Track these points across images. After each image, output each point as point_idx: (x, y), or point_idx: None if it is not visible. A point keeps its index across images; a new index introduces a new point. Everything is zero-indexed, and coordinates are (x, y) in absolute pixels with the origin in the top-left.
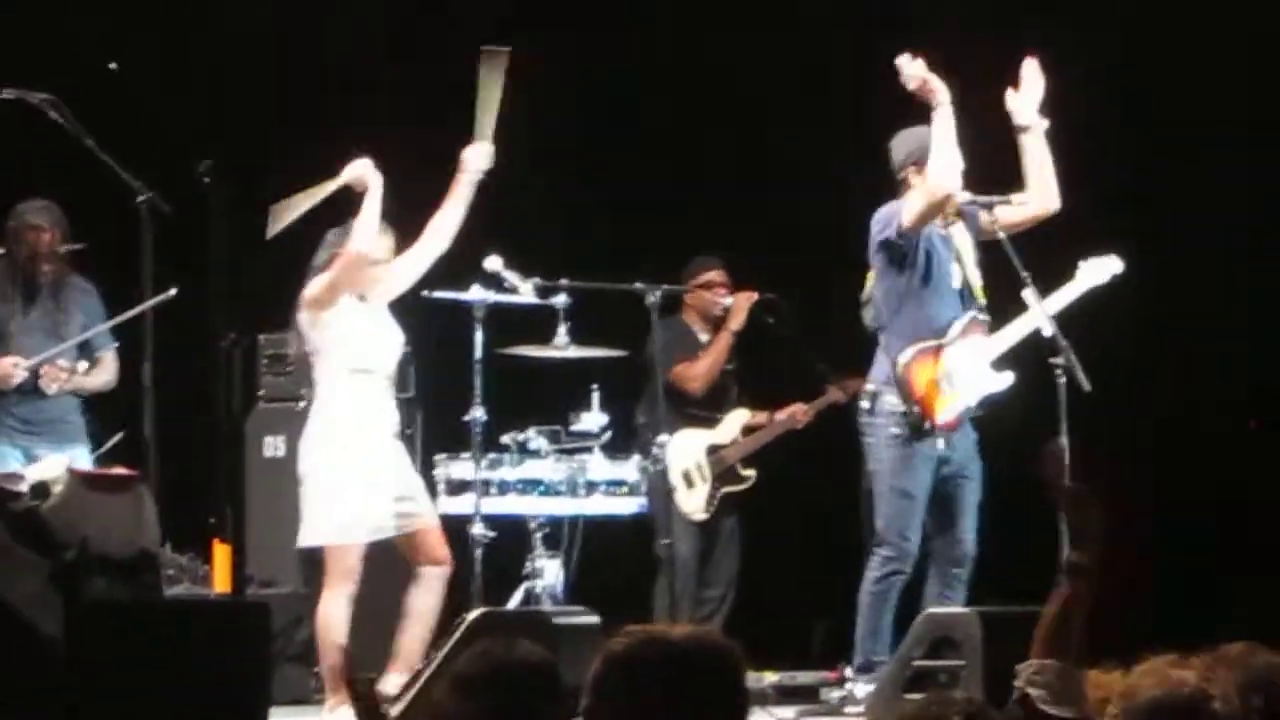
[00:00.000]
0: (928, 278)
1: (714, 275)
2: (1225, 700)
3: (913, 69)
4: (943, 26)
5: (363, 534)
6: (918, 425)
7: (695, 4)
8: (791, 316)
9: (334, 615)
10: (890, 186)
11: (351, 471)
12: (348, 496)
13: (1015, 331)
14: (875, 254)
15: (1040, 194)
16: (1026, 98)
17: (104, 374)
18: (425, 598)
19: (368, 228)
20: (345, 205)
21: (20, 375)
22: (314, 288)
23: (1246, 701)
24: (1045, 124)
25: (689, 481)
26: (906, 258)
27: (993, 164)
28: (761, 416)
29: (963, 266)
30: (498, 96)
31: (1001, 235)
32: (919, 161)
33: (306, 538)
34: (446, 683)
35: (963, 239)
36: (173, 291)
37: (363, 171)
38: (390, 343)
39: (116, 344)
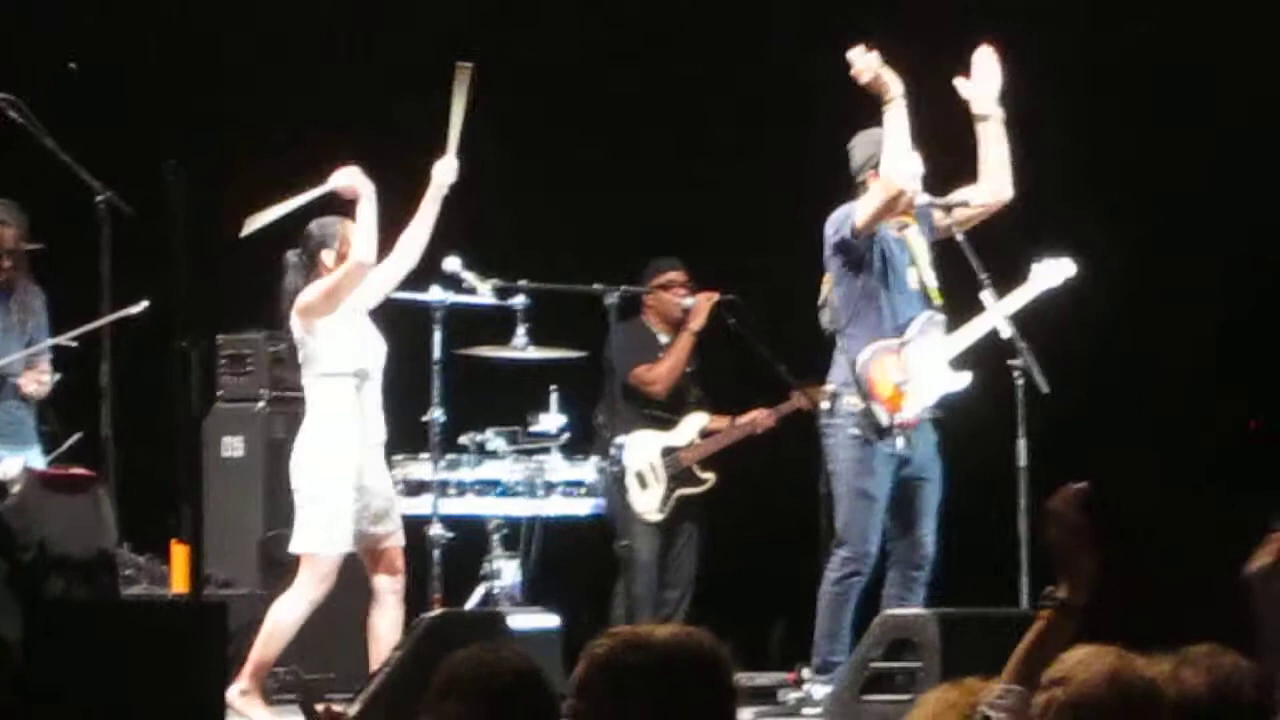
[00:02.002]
0: (885, 279)
1: (674, 276)
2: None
3: (864, 61)
4: (899, 18)
5: (346, 545)
6: (877, 424)
7: (652, 8)
8: (753, 317)
9: (290, 616)
10: (850, 188)
11: (343, 480)
12: (339, 506)
13: (973, 331)
14: (831, 257)
15: (994, 183)
16: (984, 86)
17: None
18: (389, 615)
19: (368, 235)
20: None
21: None
22: (311, 294)
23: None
24: (1002, 114)
25: (643, 482)
26: (862, 260)
27: (948, 155)
28: (721, 421)
29: (919, 268)
30: (463, 111)
31: (959, 235)
32: (879, 165)
33: (296, 544)
34: (434, 686)
35: (917, 241)
36: (144, 304)
37: (351, 180)
38: (377, 349)
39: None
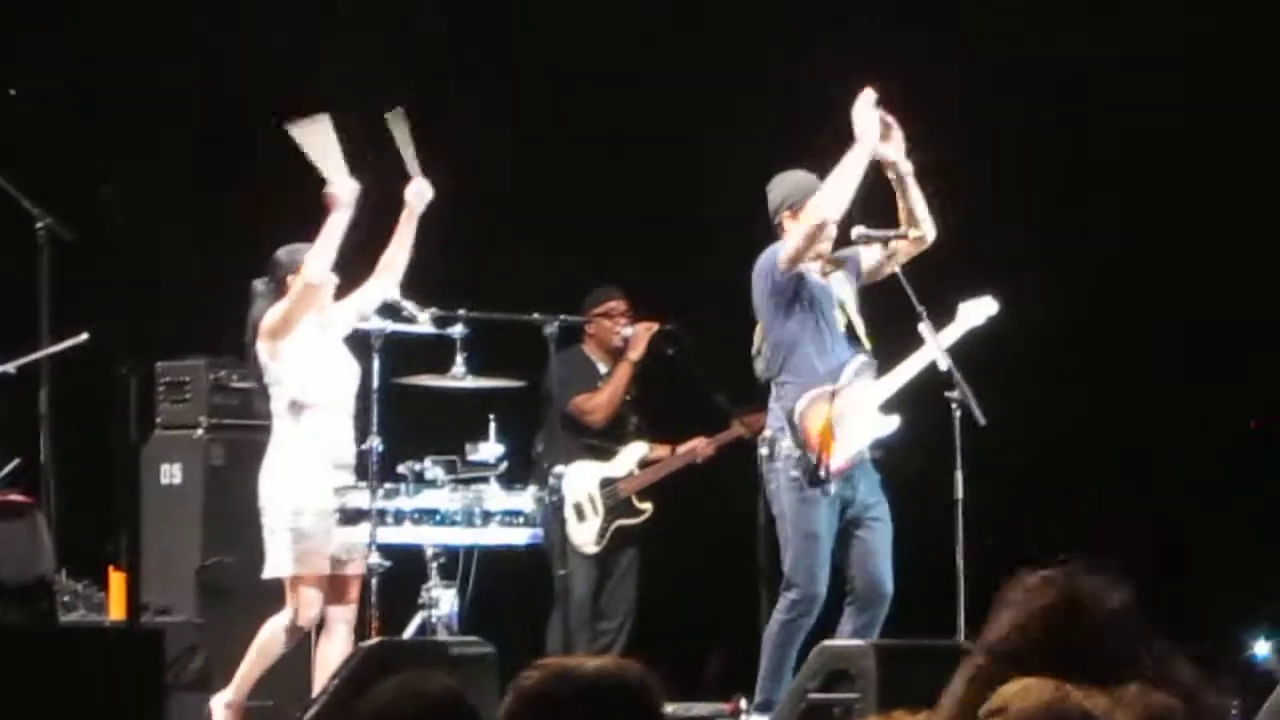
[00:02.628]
0: (815, 325)
1: (614, 305)
2: None
3: (868, 100)
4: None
5: (320, 567)
6: (813, 470)
7: (598, 29)
8: (693, 347)
9: (275, 636)
10: (769, 231)
11: (307, 504)
12: (305, 528)
13: (905, 372)
14: (761, 305)
15: (917, 230)
16: (894, 145)
17: None
18: (339, 644)
19: (319, 256)
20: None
21: None
22: (270, 318)
23: None
24: (911, 167)
25: (580, 514)
26: (791, 304)
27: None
28: (661, 450)
29: (846, 313)
30: (411, 143)
31: (896, 269)
32: (794, 206)
33: (269, 569)
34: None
35: (842, 286)
36: (85, 335)
37: (346, 194)
38: (345, 376)
39: None
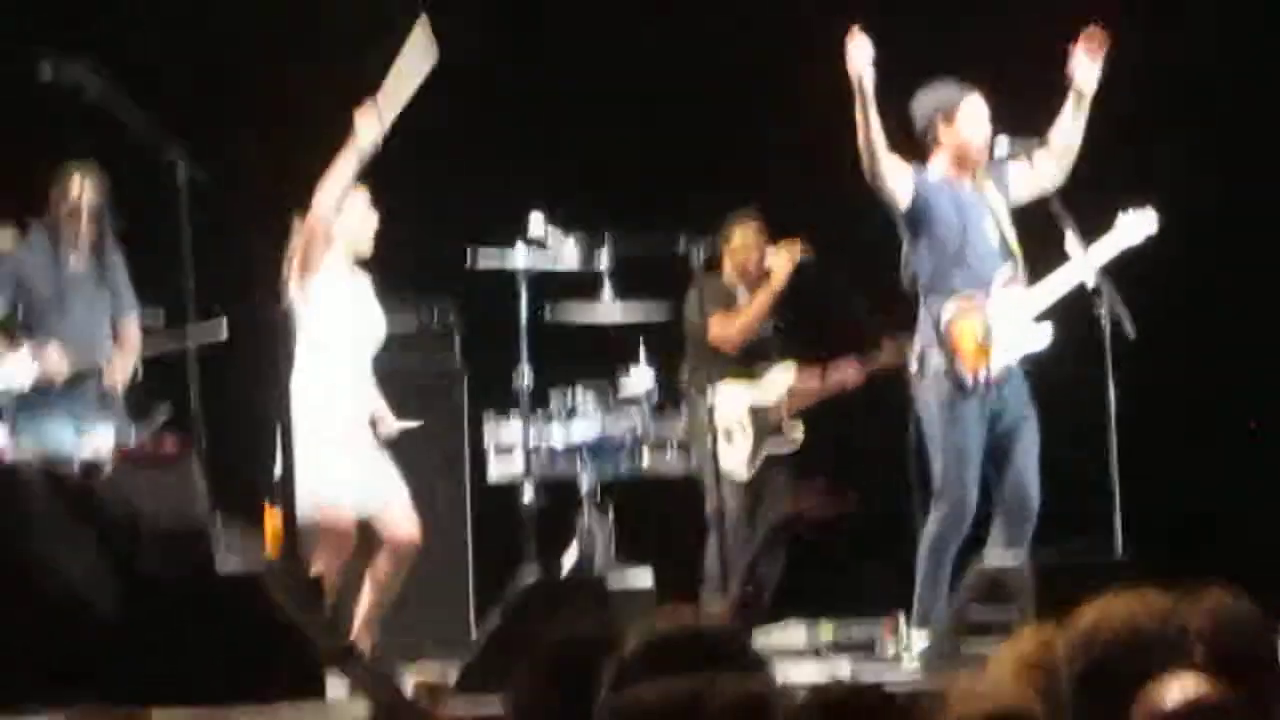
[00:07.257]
0: (963, 236)
1: (752, 226)
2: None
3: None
4: None
5: (346, 508)
6: (963, 381)
7: None
8: (834, 269)
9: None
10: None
11: (325, 444)
12: (325, 469)
13: (1056, 284)
14: (908, 217)
15: (1054, 162)
16: (1089, 66)
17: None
18: (383, 567)
19: (327, 184)
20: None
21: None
22: (294, 255)
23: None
24: (1090, 97)
25: (730, 438)
26: (940, 215)
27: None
28: (810, 373)
29: (998, 223)
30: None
31: (1034, 193)
32: (948, 113)
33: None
34: (540, 667)
35: (996, 197)
36: (225, 335)
37: (364, 125)
38: (364, 325)
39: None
